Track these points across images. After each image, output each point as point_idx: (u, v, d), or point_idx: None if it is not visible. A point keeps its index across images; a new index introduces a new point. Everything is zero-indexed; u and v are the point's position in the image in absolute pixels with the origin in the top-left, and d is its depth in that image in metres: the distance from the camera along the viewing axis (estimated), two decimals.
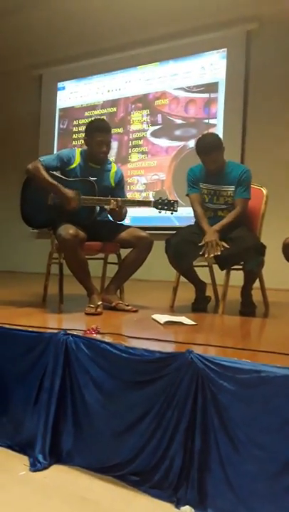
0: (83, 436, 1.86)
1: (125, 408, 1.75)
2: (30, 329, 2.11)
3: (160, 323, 2.44)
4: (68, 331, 2.00)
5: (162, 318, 2.49)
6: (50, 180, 2.82)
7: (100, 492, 1.67)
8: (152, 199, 5.14)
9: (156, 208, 2.95)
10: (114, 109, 5.96)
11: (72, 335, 1.96)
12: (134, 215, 5.23)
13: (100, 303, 2.75)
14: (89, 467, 1.80)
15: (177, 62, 5.50)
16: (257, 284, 3.01)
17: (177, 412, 1.62)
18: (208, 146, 2.90)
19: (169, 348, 1.91)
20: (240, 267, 2.85)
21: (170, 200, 2.95)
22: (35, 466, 1.80)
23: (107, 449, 1.77)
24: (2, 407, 2.06)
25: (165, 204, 2.94)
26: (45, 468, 1.80)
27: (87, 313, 2.67)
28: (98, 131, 2.91)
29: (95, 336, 2.00)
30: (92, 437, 1.83)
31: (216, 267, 3.01)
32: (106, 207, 2.90)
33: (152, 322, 2.50)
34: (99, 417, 1.82)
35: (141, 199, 5.59)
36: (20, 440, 1.95)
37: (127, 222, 4.88)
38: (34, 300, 3.25)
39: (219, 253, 2.73)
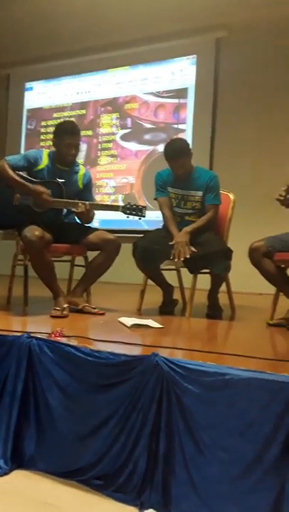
0: (46, 441, 1.82)
1: (89, 412, 1.73)
2: None
3: (127, 326, 2.43)
4: (32, 334, 1.95)
5: (129, 321, 2.48)
6: (17, 178, 2.77)
7: (63, 497, 1.63)
8: (121, 202, 5.11)
9: (124, 213, 2.94)
10: (84, 112, 5.93)
11: (36, 338, 1.92)
12: (103, 218, 5.20)
13: (66, 305, 2.72)
14: (52, 472, 1.76)
15: (147, 66, 5.52)
16: (224, 287, 3.04)
17: (142, 415, 1.61)
18: (176, 152, 2.92)
19: (135, 351, 1.90)
20: (208, 270, 2.87)
21: (138, 206, 2.94)
22: None
23: (71, 453, 1.74)
24: None
25: (133, 209, 2.93)
26: (6, 473, 1.75)
27: (52, 316, 2.63)
28: (67, 134, 2.88)
29: (59, 339, 1.97)
30: (56, 441, 1.79)
31: (183, 270, 3.03)
32: (74, 210, 2.87)
33: (119, 325, 2.49)
34: (62, 421, 1.79)
35: (110, 202, 5.59)
36: None
37: (95, 224, 4.84)
38: None
39: (188, 256, 2.75)
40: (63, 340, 1.95)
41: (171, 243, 2.82)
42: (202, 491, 1.50)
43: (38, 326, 2.39)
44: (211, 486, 1.49)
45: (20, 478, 1.74)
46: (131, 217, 2.95)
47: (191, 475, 1.53)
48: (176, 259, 2.77)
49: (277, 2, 4.55)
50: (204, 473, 1.51)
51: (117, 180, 5.70)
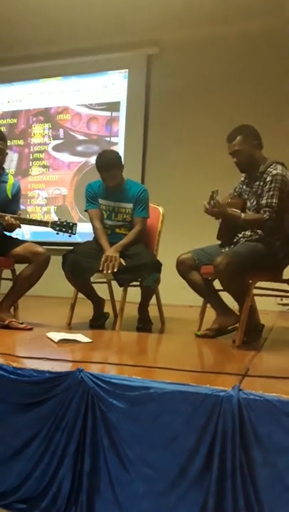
0: None
1: (11, 433, 1.66)
2: None
3: (54, 342, 2.37)
4: None
5: (57, 336, 2.43)
6: None
7: None
8: (54, 214, 5.00)
9: (54, 230, 2.87)
10: (15, 121, 5.80)
11: None
12: (34, 230, 5.06)
13: None
14: None
15: (80, 78, 5.52)
16: (153, 300, 3.06)
17: (66, 434, 1.58)
18: (108, 163, 2.92)
19: (60, 367, 1.85)
20: (138, 283, 2.89)
21: (69, 223, 2.89)
22: None
23: None
24: None
25: (63, 226, 2.87)
26: None
27: None
28: None
29: None
30: None
31: (114, 282, 3.02)
32: (1, 222, 2.77)
33: (47, 340, 2.42)
34: None
35: (42, 214, 5.48)
36: None
37: (26, 237, 4.73)
38: None
39: (116, 270, 2.74)
40: None
41: (102, 260, 2.80)
42: (126, 509, 1.48)
43: None
44: (136, 503, 1.47)
45: None
46: (61, 233, 2.89)
47: (116, 493, 1.51)
48: (104, 272, 2.76)
49: (207, 22, 4.74)
50: (129, 491, 1.49)
51: (50, 192, 5.61)
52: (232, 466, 1.39)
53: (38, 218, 5.14)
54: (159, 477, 1.47)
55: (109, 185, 2.98)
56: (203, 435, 1.45)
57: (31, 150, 5.70)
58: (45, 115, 5.66)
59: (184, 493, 1.45)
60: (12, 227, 2.79)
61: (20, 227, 2.80)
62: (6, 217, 2.74)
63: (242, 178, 2.74)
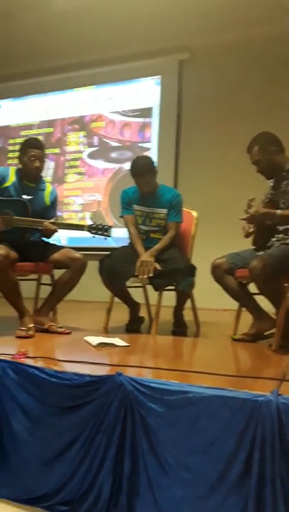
0: (10, 466, 1.78)
1: (54, 435, 1.71)
2: None
3: (92, 346, 2.42)
4: None
5: (95, 340, 2.47)
6: None
7: None
8: (89, 220, 5.11)
9: (90, 233, 2.94)
10: (51, 130, 5.94)
11: (0, 360, 1.89)
12: (70, 235, 5.18)
13: (31, 325, 2.69)
14: (15, 499, 1.72)
15: (113, 86, 5.60)
16: (189, 304, 3.07)
17: (106, 437, 1.61)
18: (141, 169, 2.96)
19: (100, 371, 1.89)
20: (173, 287, 2.90)
21: (104, 226, 2.96)
22: None
23: (35, 479, 1.71)
24: None
25: (99, 229, 2.94)
26: None
27: (18, 337, 2.59)
28: (31, 147, 2.91)
29: (23, 360, 1.95)
30: (19, 467, 1.76)
31: (149, 287, 3.05)
32: (39, 227, 2.86)
33: (85, 344, 2.48)
34: (26, 445, 1.76)
35: (77, 220, 5.59)
36: None
37: (63, 242, 4.83)
38: None
39: (152, 274, 2.77)
40: (27, 361, 1.93)
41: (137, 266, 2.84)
42: None
43: (2, 347, 2.35)
44: (175, 506, 1.48)
45: None
46: (97, 236, 2.96)
47: (156, 496, 1.52)
48: (140, 276, 2.79)
49: (238, 26, 4.73)
50: (168, 494, 1.51)
51: (85, 198, 5.71)
52: (272, 471, 1.38)
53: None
54: (198, 481, 1.48)
55: (143, 191, 3.02)
56: (242, 440, 1.45)
57: (67, 158, 5.82)
58: (80, 123, 5.78)
59: (223, 497, 1.45)
60: (50, 233, 2.87)
61: (57, 231, 2.87)
62: (45, 223, 2.82)
63: (271, 184, 2.73)
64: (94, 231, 2.94)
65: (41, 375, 1.79)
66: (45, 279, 3.19)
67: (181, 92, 5.20)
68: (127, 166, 5.38)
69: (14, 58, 5.79)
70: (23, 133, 6.03)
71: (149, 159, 3.10)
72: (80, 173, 5.75)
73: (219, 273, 2.73)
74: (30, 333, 2.64)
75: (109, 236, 2.94)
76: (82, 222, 5.44)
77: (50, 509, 1.66)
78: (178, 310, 3.03)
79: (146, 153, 5.12)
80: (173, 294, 2.97)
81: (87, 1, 4.96)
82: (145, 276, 2.79)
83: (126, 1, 4.88)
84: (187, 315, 3.08)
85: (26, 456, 1.75)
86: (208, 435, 1.50)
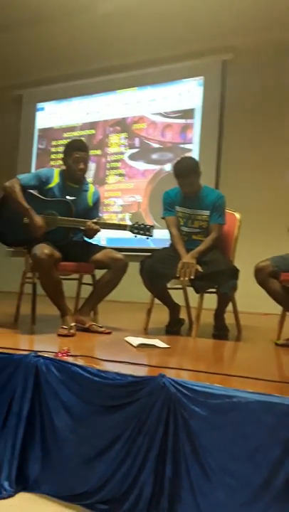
0: (51, 463, 1.80)
1: (95, 434, 1.72)
2: (1, 351, 2.06)
3: (133, 346, 2.42)
4: (39, 353, 1.96)
5: (135, 340, 2.48)
6: (23, 203, 2.79)
7: None
8: (128, 221, 5.14)
9: (132, 232, 2.95)
10: (93, 131, 6.02)
11: (43, 357, 1.92)
12: (109, 236, 5.23)
13: (73, 324, 2.72)
14: (56, 495, 1.74)
15: (155, 87, 5.61)
16: (230, 307, 3.03)
17: (148, 438, 1.60)
18: (186, 169, 2.94)
19: (141, 371, 1.89)
20: (214, 290, 2.87)
21: (146, 225, 2.96)
22: (0, 494, 1.73)
23: (76, 476, 1.72)
24: None
25: (141, 229, 2.94)
26: (10, 496, 1.73)
27: (59, 335, 2.63)
28: (75, 150, 2.94)
29: (66, 358, 1.97)
30: (61, 464, 1.78)
31: (190, 289, 3.03)
32: (82, 227, 2.90)
33: (125, 344, 2.48)
34: (68, 443, 1.77)
35: (117, 221, 5.62)
36: None
37: (102, 243, 4.88)
38: (5, 320, 3.18)
39: (193, 277, 2.75)
40: (70, 359, 1.95)
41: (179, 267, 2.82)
42: None
43: (45, 344, 2.40)
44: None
45: (25, 501, 1.72)
46: (139, 236, 2.96)
47: (197, 500, 1.50)
48: (181, 278, 2.77)
49: (282, 25, 4.63)
50: (211, 499, 1.48)
51: (125, 199, 5.74)
52: None
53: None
54: (241, 487, 1.45)
55: (186, 192, 3.00)
56: (288, 448, 1.41)
57: (108, 159, 5.88)
58: (122, 125, 5.82)
59: (267, 505, 1.41)
60: (92, 233, 2.90)
61: (100, 231, 2.90)
62: (88, 223, 2.85)
63: None
64: (136, 231, 2.94)
65: (84, 373, 1.81)
66: (87, 278, 3.22)
67: (224, 93, 5.14)
68: (168, 167, 5.41)
69: (58, 61, 5.91)
70: (65, 135, 6.14)
71: (193, 160, 3.08)
72: (120, 175, 5.80)
73: (263, 276, 2.67)
74: (72, 331, 2.67)
75: (151, 236, 2.93)
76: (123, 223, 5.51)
77: (91, 507, 1.66)
78: (219, 313, 2.99)
79: (187, 155, 5.10)
80: (213, 296, 2.93)
81: (130, 4, 5.00)
82: (186, 279, 2.77)
83: (168, 2, 4.89)
84: (228, 318, 3.03)
85: (68, 453, 1.77)
86: (252, 441, 1.47)
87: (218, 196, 3.02)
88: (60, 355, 2.00)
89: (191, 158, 3.19)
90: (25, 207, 2.78)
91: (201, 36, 5.04)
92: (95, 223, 2.87)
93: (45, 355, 1.96)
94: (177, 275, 2.80)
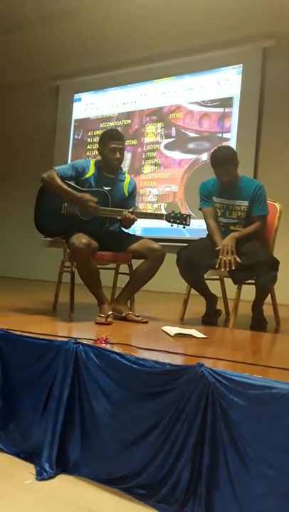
0: (90, 447, 1.85)
1: (134, 420, 1.74)
2: (41, 337, 2.11)
3: (170, 335, 2.43)
4: (78, 340, 2.00)
5: (172, 330, 2.49)
6: (65, 187, 2.85)
7: (106, 504, 1.65)
8: (164, 210, 5.14)
9: (169, 222, 2.94)
10: (129, 121, 6.02)
11: (83, 344, 1.96)
12: (145, 226, 5.25)
13: (110, 313, 2.76)
14: (95, 478, 1.79)
15: (193, 76, 5.54)
16: (268, 299, 2.99)
17: (186, 426, 1.61)
18: (223, 158, 2.90)
19: (178, 360, 1.91)
20: (253, 281, 2.84)
21: (183, 214, 2.94)
22: (41, 475, 1.79)
23: (114, 461, 1.76)
24: (10, 413, 2.06)
25: (178, 218, 2.93)
26: (51, 477, 1.79)
27: (97, 323, 2.67)
28: (111, 139, 2.94)
29: (104, 345, 2.00)
30: (100, 448, 1.82)
31: (226, 280, 3.00)
32: (118, 217, 2.92)
33: (162, 334, 2.50)
34: (107, 428, 1.81)
35: (152, 211, 5.62)
36: (27, 448, 1.94)
37: (138, 233, 4.89)
38: (45, 308, 3.26)
39: (234, 268, 2.72)
40: (108, 347, 1.98)
41: (217, 248, 2.79)
42: (246, 507, 1.47)
43: (84, 332, 2.44)
44: (256, 502, 1.46)
45: (65, 483, 1.77)
46: (175, 225, 2.96)
47: (235, 489, 1.51)
48: (222, 269, 2.75)
49: None
50: (249, 489, 1.48)
51: (160, 189, 5.73)
52: None
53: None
54: (281, 479, 1.44)
55: (223, 182, 2.95)
56: None
57: (144, 149, 5.87)
58: (158, 114, 5.79)
59: None
60: (129, 222, 2.92)
61: (136, 220, 2.91)
62: (124, 212, 2.87)
63: None
64: (172, 220, 2.93)
65: (123, 360, 1.83)
66: (123, 268, 3.25)
67: (264, 82, 5.01)
68: (204, 156, 5.36)
69: (94, 52, 5.92)
70: (102, 125, 6.16)
71: (231, 149, 3.04)
72: (156, 164, 5.78)
73: None
74: (109, 319, 2.71)
75: (188, 225, 2.92)
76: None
77: (129, 491, 1.70)
78: (257, 304, 2.96)
79: (225, 144, 5.03)
80: (250, 288, 2.90)
81: None
82: (227, 270, 2.74)
83: None
84: (266, 310, 3.00)
85: (107, 438, 1.80)
86: None
87: (257, 186, 2.96)
88: (98, 342, 2.04)
89: (228, 147, 3.15)
90: (68, 190, 2.83)
91: (241, 23, 4.93)
92: (131, 213, 2.88)
93: (85, 342, 1.99)
94: (217, 266, 2.77)
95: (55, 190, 2.87)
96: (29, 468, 1.85)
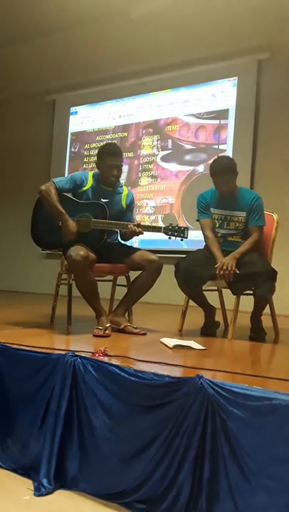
0: (89, 461, 1.82)
1: (133, 433, 1.72)
2: (38, 350, 2.10)
3: (169, 347, 2.42)
4: (76, 353, 1.98)
5: (171, 341, 2.47)
6: (58, 207, 2.82)
7: None
8: (161, 222, 5.14)
9: (166, 234, 2.95)
10: (126, 134, 6.05)
11: (81, 357, 1.95)
12: (142, 238, 5.22)
13: (108, 325, 2.75)
14: (94, 493, 1.76)
15: (189, 89, 5.59)
16: (267, 310, 2.98)
17: (186, 438, 1.59)
18: (223, 167, 2.91)
19: (177, 372, 1.89)
20: (251, 292, 2.83)
21: (180, 227, 2.95)
22: (39, 491, 1.77)
23: (114, 475, 1.74)
24: (7, 428, 2.04)
25: (175, 230, 2.94)
26: (49, 493, 1.77)
27: (95, 335, 2.66)
28: (109, 155, 2.95)
29: (103, 358, 1.99)
30: (99, 462, 1.79)
31: (225, 291, 3.00)
32: (123, 230, 2.92)
33: (161, 345, 2.48)
34: (106, 442, 1.79)
35: (150, 223, 5.63)
36: (25, 463, 1.92)
37: (135, 244, 4.89)
38: (42, 321, 3.25)
39: (232, 279, 2.72)
40: (106, 359, 1.96)
41: (216, 266, 2.79)
42: None
43: (82, 345, 2.43)
44: None
45: (64, 499, 1.75)
46: (173, 238, 2.96)
47: (236, 502, 1.49)
48: (220, 279, 2.74)
49: None
50: (250, 502, 1.47)
51: (157, 201, 5.75)
52: None
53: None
54: (282, 491, 1.42)
55: (221, 191, 2.96)
56: None
57: (140, 161, 5.90)
58: (154, 127, 5.83)
59: None
60: (134, 235, 2.91)
61: (142, 233, 2.90)
62: (130, 225, 2.87)
63: None
64: (170, 232, 2.94)
65: (121, 373, 1.82)
66: (121, 280, 3.24)
67: (259, 94, 5.05)
68: (201, 168, 5.39)
69: (90, 65, 5.99)
70: (98, 138, 6.20)
71: (231, 159, 3.05)
72: (152, 176, 5.81)
73: None
74: (107, 332, 2.69)
75: (185, 237, 2.92)
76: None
77: (128, 506, 1.67)
78: (256, 315, 2.95)
79: (221, 155, 5.05)
80: (249, 298, 2.90)
81: (162, 6, 5.01)
82: (227, 280, 2.74)
83: (201, 3, 4.87)
84: (265, 321, 2.99)
85: (106, 452, 1.78)
86: None
87: (254, 198, 2.97)
88: (96, 355, 2.02)
89: (228, 158, 3.18)
90: (60, 211, 2.82)
91: (236, 36, 4.99)
92: (137, 226, 2.88)
93: (82, 355, 1.98)
94: (216, 273, 2.76)
95: (48, 207, 2.85)
96: (27, 484, 1.83)
